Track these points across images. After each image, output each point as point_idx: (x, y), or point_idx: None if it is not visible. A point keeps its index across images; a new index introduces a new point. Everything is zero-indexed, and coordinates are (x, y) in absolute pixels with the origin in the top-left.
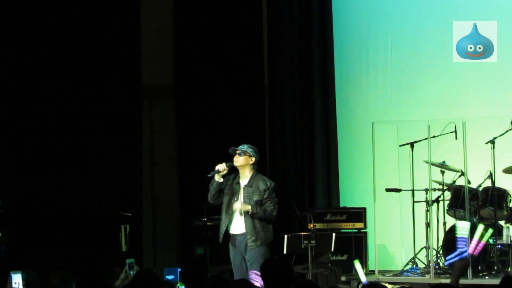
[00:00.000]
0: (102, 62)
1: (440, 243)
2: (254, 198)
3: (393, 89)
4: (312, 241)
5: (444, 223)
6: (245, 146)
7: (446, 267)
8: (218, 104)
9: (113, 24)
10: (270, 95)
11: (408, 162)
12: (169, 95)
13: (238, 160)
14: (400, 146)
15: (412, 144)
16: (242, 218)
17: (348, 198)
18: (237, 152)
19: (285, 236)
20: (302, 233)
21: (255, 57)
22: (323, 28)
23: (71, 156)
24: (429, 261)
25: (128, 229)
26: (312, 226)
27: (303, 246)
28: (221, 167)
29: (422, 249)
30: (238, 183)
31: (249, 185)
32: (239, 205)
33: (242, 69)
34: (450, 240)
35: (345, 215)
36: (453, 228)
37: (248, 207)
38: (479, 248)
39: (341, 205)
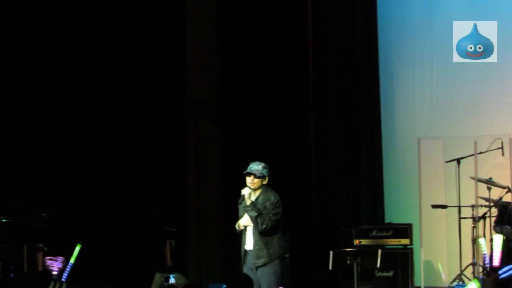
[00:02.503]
0: (148, 77)
1: (487, 260)
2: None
3: (439, 104)
4: (357, 258)
5: (491, 240)
6: (260, 167)
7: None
8: (262, 119)
9: (159, 40)
10: (315, 110)
11: (454, 178)
12: (214, 110)
13: (254, 183)
14: (447, 162)
15: (458, 160)
16: (251, 234)
17: (394, 214)
18: (256, 175)
19: (331, 252)
20: (348, 249)
21: (300, 72)
22: (369, 43)
23: (116, 171)
24: (475, 278)
25: (173, 244)
26: (357, 242)
27: (348, 262)
28: (247, 191)
29: (468, 265)
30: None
31: (256, 201)
32: (245, 223)
33: (287, 84)
34: None
35: (390, 231)
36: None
37: (249, 201)
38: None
39: (387, 221)
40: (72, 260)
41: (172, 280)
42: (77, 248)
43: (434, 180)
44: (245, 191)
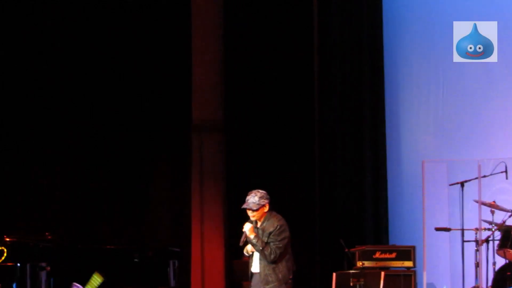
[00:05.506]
0: (152, 98)
1: (490, 283)
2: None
3: (444, 127)
4: (360, 279)
5: (494, 263)
6: (256, 198)
7: None
8: (267, 139)
9: (164, 60)
10: (320, 131)
11: (458, 201)
12: (219, 130)
13: (255, 215)
14: (450, 185)
15: (462, 184)
16: (258, 259)
17: (397, 236)
18: (253, 209)
19: (334, 274)
20: (351, 271)
21: (304, 93)
22: (374, 62)
23: (119, 191)
24: None
25: (176, 265)
26: (360, 264)
27: (351, 284)
28: (248, 227)
29: None
30: (257, 227)
31: (261, 227)
32: (247, 228)
33: (292, 104)
34: (500, 280)
35: (394, 253)
36: (504, 268)
37: (252, 235)
38: None
39: (390, 242)
40: None
41: None
42: (98, 280)
43: (437, 202)
44: (246, 227)
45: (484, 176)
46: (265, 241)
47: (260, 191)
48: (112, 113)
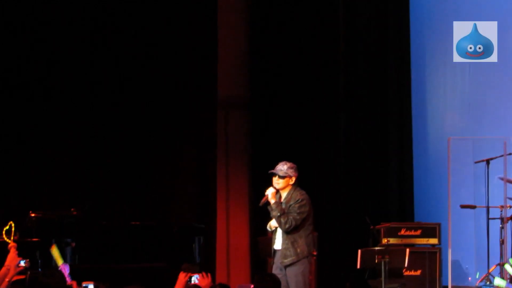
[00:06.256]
0: (178, 74)
1: None
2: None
3: (470, 104)
4: (386, 256)
5: None
6: (285, 167)
7: None
8: (292, 115)
9: (190, 36)
10: (345, 107)
11: (483, 178)
12: (245, 106)
13: (279, 183)
14: (476, 162)
15: (488, 161)
16: (280, 234)
17: (423, 213)
18: (279, 175)
19: (359, 250)
20: (376, 248)
21: (330, 68)
22: (400, 41)
23: (145, 167)
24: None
25: (201, 241)
26: (386, 241)
27: (376, 261)
28: (270, 191)
29: (496, 266)
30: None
31: (284, 200)
32: (269, 192)
33: (318, 80)
34: None
35: (419, 230)
36: None
37: (272, 200)
38: None
39: (415, 220)
40: (60, 262)
41: (196, 280)
42: (56, 251)
43: (463, 180)
44: (268, 191)
45: (510, 154)
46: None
47: (291, 163)
48: (139, 90)
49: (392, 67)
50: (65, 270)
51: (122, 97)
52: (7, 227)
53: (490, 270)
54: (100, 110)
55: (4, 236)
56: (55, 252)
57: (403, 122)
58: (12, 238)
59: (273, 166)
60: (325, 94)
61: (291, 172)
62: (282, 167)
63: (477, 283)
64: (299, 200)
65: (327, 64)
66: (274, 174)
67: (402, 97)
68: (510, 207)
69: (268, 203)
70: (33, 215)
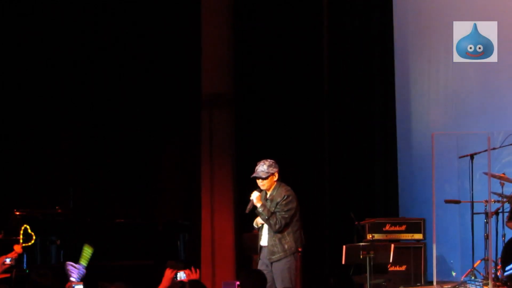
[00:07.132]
0: (162, 71)
1: (499, 255)
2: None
3: (453, 99)
4: (370, 252)
5: (503, 235)
6: (265, 167)
7: (504, 279)
8: (277, 112)
9: (174, 34)
10: (329, 104)
11: (468, 173)
12: (229, 104)
13: (265, 184)
14: (460, 157)
15: (472, 156)
16: (267, 231)
17: (407, 209)
18: (262, 177)
19: (344, 246)
20: (361, 244)
21: (314, 65)
22: (384, 36)
23: (130, 165)
24: (487, 273)
25: (186, 238)
26: (370, 236)
27: (361, 256)
28: (255, 195)
29: (481, 261)
30: (266, 198)
31: (270, 197)
32: (254, 196)
33: (302, 77)
34: (509, 252)
35: (404, 226)
36: None
37: (258, 204)
38: None
39: (400, 215)
40: (84, 263)
41: (182, 276)
42: (89, 251)
43: (447, 175)
44: (253, 196)
45: (494, 149)
46: (272, 210)
47: (269, 160)
48: (123, 88)
49: (377, 64)
50: (74, 271)
51: (105, 96)
52: None
53: (475, 265)
54: (84, 108)
55: None
56: (87, 251)
57: (387, 118)
58: None
59: (258, 163)
60: (310, 91)
61: (271, 169)
62: (263, 168)
63: (462, 278)
64: (285, 197)
65: (311, 62)
66: (257, 178)
67: (386, 93)
68: (495, 201)
69: (255, 207)
70: (17, 213)
